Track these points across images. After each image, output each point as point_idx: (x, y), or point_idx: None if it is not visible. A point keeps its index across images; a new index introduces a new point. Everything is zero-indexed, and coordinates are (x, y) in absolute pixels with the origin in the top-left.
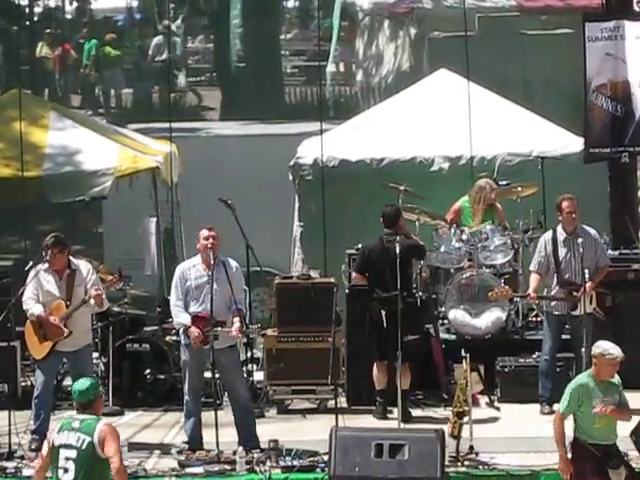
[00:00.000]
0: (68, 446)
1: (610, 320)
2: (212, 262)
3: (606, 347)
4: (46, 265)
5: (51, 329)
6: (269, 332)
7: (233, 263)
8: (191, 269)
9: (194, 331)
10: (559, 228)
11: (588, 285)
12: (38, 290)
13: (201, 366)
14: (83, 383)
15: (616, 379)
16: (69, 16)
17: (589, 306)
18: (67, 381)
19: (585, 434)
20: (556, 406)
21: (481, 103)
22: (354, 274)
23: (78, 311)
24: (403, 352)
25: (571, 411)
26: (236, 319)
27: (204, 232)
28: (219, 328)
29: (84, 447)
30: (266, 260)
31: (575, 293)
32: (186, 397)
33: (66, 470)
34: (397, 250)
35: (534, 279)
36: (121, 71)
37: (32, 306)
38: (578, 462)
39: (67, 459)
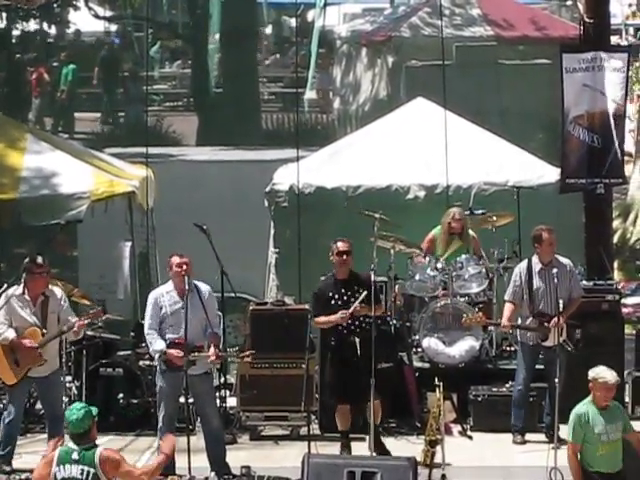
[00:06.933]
0: (73, 479)
1: (584, 350)
2: (186, 288)
3: (599, 371)
4: (20, 290)
5: (25, 355)
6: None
7: (205, 287)
8: (164, 296)
9: (173, 352)
10: (534, 258)
11: (560, 316)
12: (10, 315)
13: (177, 393)
14: (77, 413)
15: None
16: (46, 39)
17: (559, 337)
18: (38, 405)
19: (589, 462)
20: (528, 435)
21: (458, 132)
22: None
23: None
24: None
25: (579, 439)
26: (213, 344)
27: (176, 259)
28: (197, 353)
29: (90, 479)
30: (241, 286)
31: (546, 324)
32: (160, 423)
33: None
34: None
35: (508, 308)
36: None
37: (5, 330)
38: None
39: None
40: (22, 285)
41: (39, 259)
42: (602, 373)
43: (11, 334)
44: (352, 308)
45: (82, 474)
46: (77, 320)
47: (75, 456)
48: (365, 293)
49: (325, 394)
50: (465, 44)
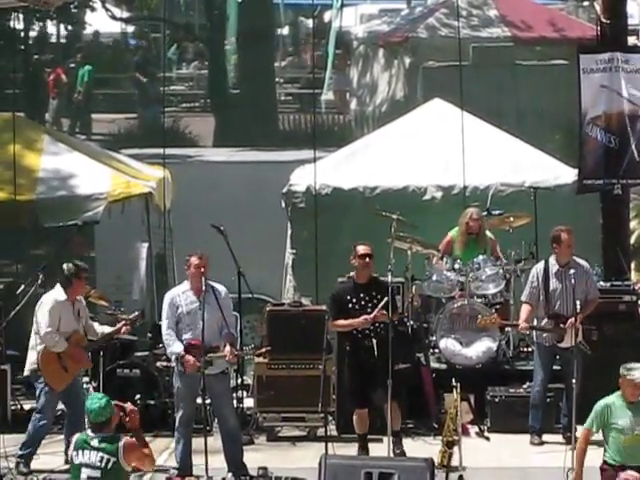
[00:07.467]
0: (90, 466)
1: (601, 352)
2: (203, 288)
3: (629, 368)
4: (64, 296)
5: (72, 361)
6: (260, 359)
7: (221, 288)
8: (181, 296)
9: (189, 359)
10: (552, 259)
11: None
12: (58, 321)
13: (194, 394)
14: (99, 401)
15: None
16: (63, 40)
17: (575, 339)
18: (58, 406)
19: (614, 455)
20: (546, 436)
21: (475, 133)
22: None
23: None
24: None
25: (594, 427)
26: (229, 343)
27: (195, 259)
28: (213, 354)
29: (110, 467)
30: (258, 287)
31: (562, 325)
32: (177, 424)
33: None
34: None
35: (525, 309)
36: None
37: (59, 338)
38: None
39: (89, 478)
40: (61, 290)
41: (81, 266)
42: (631, 371)
43: (64, 343)
44: (374, 313)
45: (101, 461)
46: (122, 324)
47: (95, 443)
48: (386, 299)
49: (342, 397)
50: (482, 45)
